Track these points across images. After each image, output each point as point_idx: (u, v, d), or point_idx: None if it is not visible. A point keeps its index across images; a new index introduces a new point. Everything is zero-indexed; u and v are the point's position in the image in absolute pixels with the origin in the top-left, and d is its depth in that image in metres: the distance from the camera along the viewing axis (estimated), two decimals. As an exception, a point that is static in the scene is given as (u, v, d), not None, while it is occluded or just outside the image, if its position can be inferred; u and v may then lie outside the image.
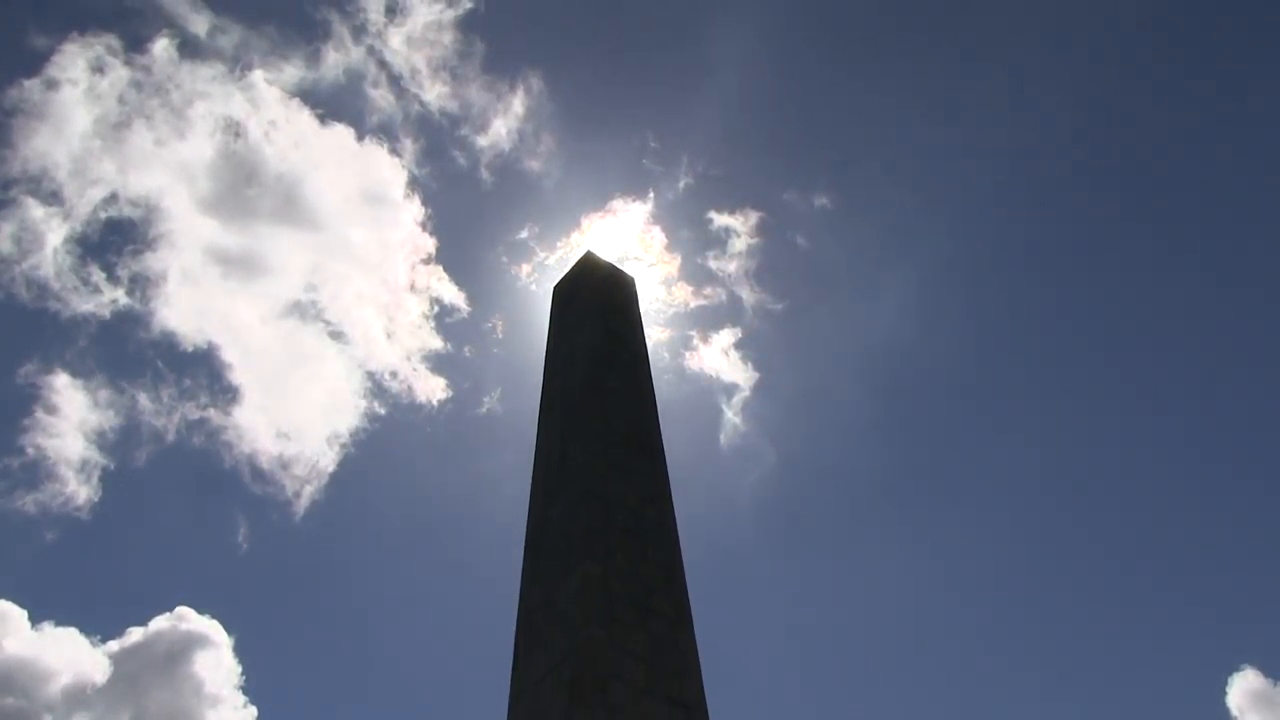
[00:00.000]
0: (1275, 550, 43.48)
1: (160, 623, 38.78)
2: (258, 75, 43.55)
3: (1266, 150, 45.24)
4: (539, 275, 42.99)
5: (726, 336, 45.72)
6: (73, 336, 42.62)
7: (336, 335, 45.32)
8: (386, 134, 50.83)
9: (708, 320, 46.92)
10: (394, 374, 44.01)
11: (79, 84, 41.66)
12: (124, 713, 36.06)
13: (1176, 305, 46.59)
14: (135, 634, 38.56)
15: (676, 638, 12.31)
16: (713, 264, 45.10)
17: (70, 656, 37.12)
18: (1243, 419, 45.39)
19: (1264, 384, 45.05)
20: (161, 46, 42.49)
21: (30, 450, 39.61)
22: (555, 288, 18.31)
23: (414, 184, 48.14)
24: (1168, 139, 47.39)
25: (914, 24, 48.88)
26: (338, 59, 44.53)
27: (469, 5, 44.81)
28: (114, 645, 38.09)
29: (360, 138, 47.82)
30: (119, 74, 42.45)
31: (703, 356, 44.15)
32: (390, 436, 45.47)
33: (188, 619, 38.60)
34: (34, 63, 42.94)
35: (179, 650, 37.38)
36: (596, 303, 16.87)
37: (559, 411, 15.49)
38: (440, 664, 42.89)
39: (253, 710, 38.26)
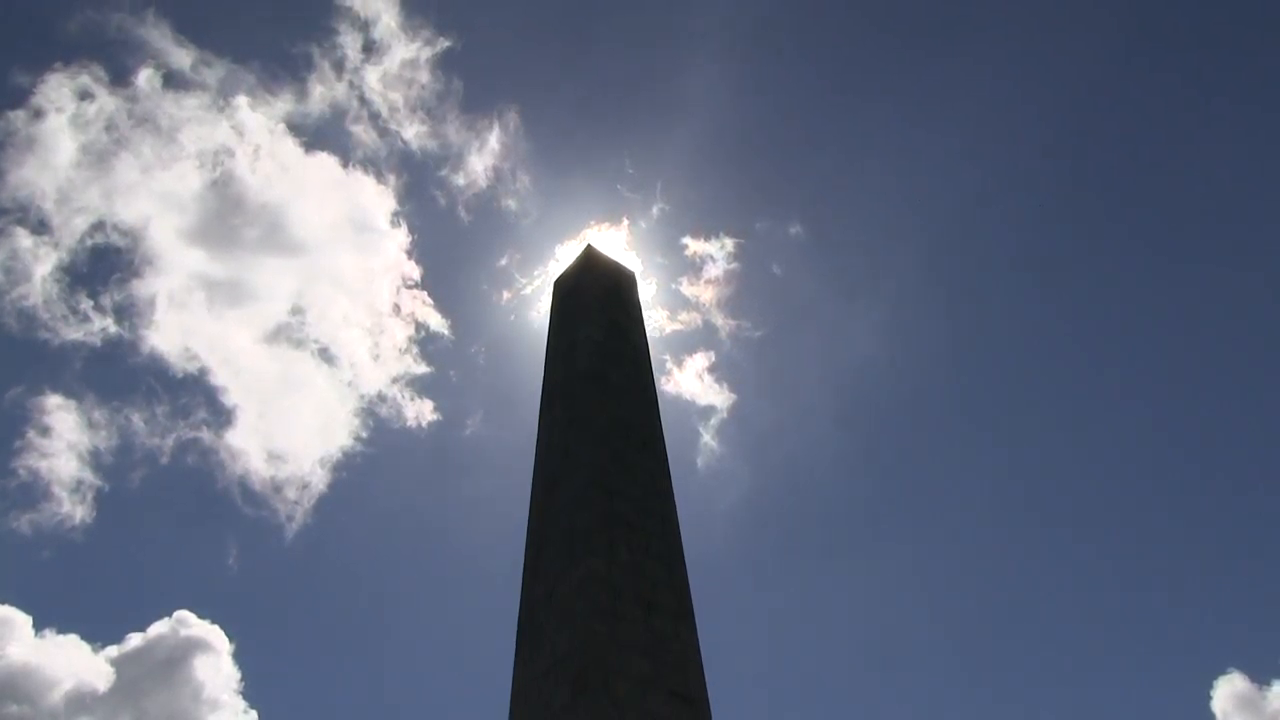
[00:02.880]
0: (1261, 554, 43.85)
1: (160, 627, 38.80)
2: (243, 104, 43.64)
3: (1248, 158, 45.71)
4: (518, 303, 44.15)
5: (701, 360, 46.06)
6: (63, 365, 42.67)
7: (324, 359, 45.56)
8: (371, 165, 51.25)
9: (682, 345, 47.14)
10: (382, 397, 44.28)
11: (65, 111, 41.65)
12: (125, 717, 36.09)
13: (1155, 325, 47.31)
14: (135, 639, 38.61)
15: (679, 631, 12.32)
16: (687, 290, 45.36)
17: (72, 662, 37.15)
18: (1230, 427, 45.81)
19: (1249, 392, 45.52)
20: (145, 77, 42.60)
21: (22, 471, 39.69)
22: (556, 282, 18.27)
23: (399, 213, 48.74)
24: (1137, 165, 48.25)
25: (885, 55, 49.84)
26: (323, 93, 44.83)
27: (446, 44, 45.19)
28: (113, 650, 38.11)
29: (345, 164, 48.12)
30: (105, 102, 42.52)
31: (678, 381, 44.28)
32: (380, 457, 45.73)
33: (188, 623, 38.56)
34: (18, 96, 43.02)
35: (179, 656, 37.38)
36: (598, 297, 16.85)
37: (560, 405, 15.46)
38: (441, 668, 43.12)
39: (253, 715, 38.33)
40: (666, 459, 14.84)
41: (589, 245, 18.32)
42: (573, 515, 13.22)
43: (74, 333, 41.27)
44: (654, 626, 12.07)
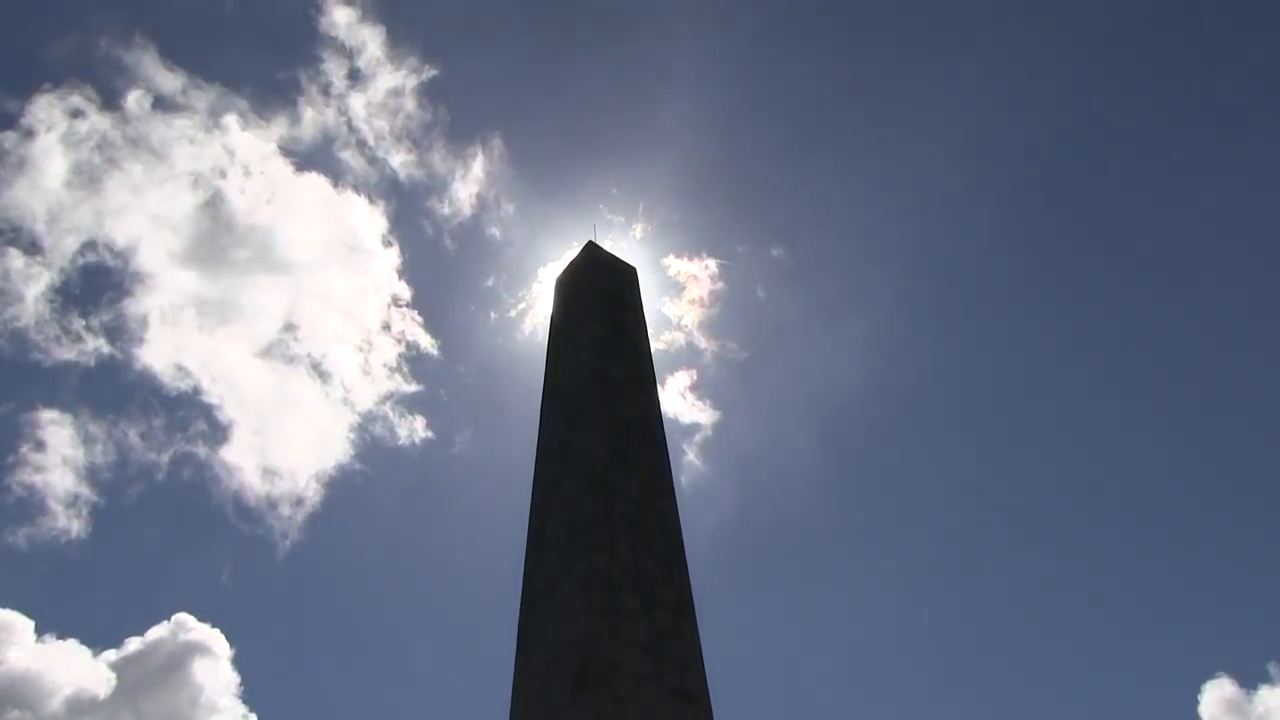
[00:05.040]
0: (1249, 560, 43.96)
1: (159, 631, 38.79)
2: (234, 126, 43.83)
3: (1228, 177, 46.42)
4: (504, 324, 45.26)
5: (683, 379, 46.41)
6: (56, 384, 42.74)
7: (318, 376, 45.87)
8: (362, 189, 51.87)
9: (664, 364, 47.47)
10: (374, 415, 44.73)
11: (56, 129, 41.50)
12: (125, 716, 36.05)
13: (1131, 344, 47.90)
14: (134, 643, 38.64)
15: (679, 628, 12.35)
16: (669, 310, 45.71)
17: (72, 667, 37.19)
18: (1217, 435, 46.02)
19: (1237, 402, 45.89)
20: (135, 98, 42.72)
21: (17, 487, 39.72)
22: (557, 280, 18.25)
23: (390, 234, 49.71)
24: (1113, 192, 49.11)
25: (863, 86, 51.16)
26: (313, 118, 45.34)
27: (432, 73, 45.93)
28: (112, 654, 38.10)
29: (336, 184, 48.60)
30: (95, 121, 42.53)
31: (661, 399, 44.22)
32: (374, 473, 46.12)
33: (187, 626, 38.50)
34: (6, 119, 42.93)
35: (178, 660, 37.35)
36: (598, 293, 16.83)
37: (561, 401, 15.48)
38: (439, 676, 43.29)
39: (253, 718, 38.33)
40: (667, 455, 14.85)
41: (590, 242, 18.27)
42: (573, 512, 13.25)
43: (67, 353, 41.34)
44: (655, 623, 12.09)
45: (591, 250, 18.08)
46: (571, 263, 18.18)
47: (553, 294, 18.10)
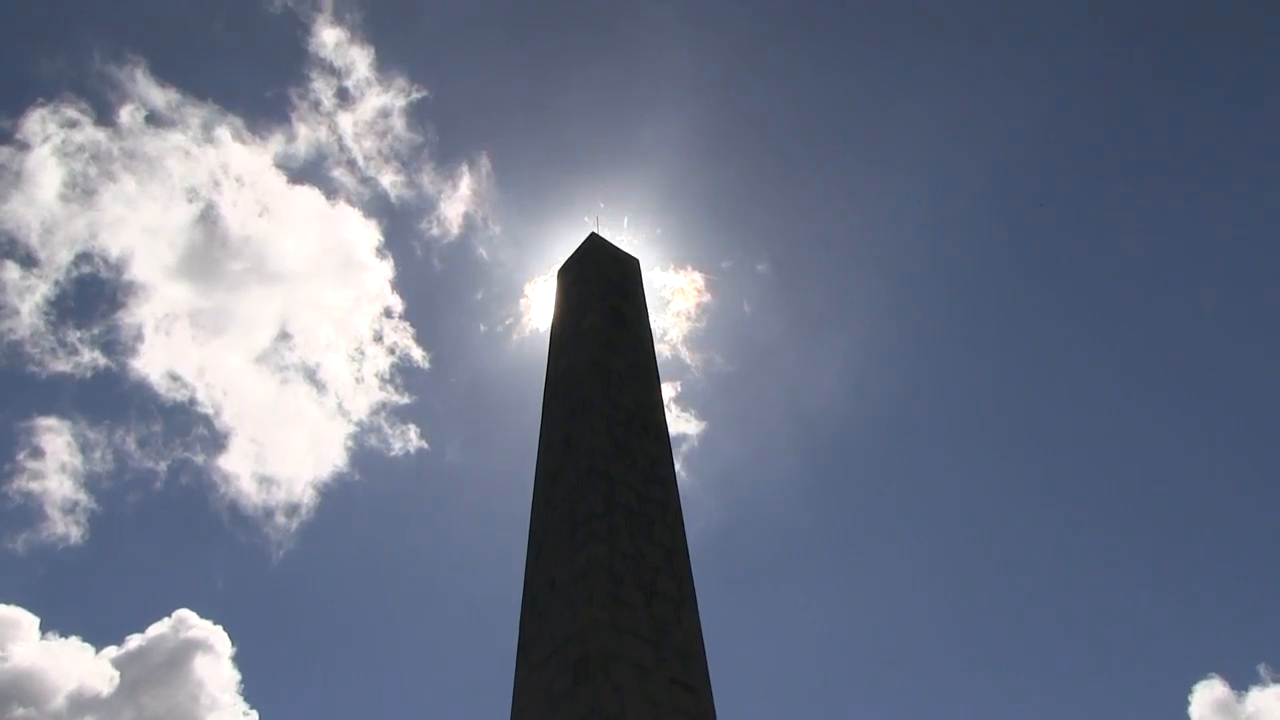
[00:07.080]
0: (1241, 560, 43.69)
1: (160, 628, 38.82)
2: (227, 141, 43.99)
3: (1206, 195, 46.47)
4: (493, 338, 46.19)
5: (667, 390, 46.69)
6: (53, 396, 42.96)
7: (312, 385, 46.11)
8: (354, 203, 52.26)
9: None
10: (368, 425, 44.96)
11: (51, 139, 41.64)
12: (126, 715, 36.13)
13: (1118, 352, 47.86)
14: (135, 640, 38.71)
15: (680, 618, 12.26)
16: (655, 323, 45.81)
17: (75, 663, 37.24)
18: (1210, 436, 45.88)
19: (1228, 404, 45.83)
20: (128, 112, 42.91)
21: (15, 495, 39.81)
22: (560, 270, 18.18)
23: (382, 249, 50.39)
24: (1095, 202, 49.05)
25: (845, 101, 51.65)
26: (306, 134, 45.72)
27: (421, 94, 46.51)
28: (113, 650, 38.18)
29: (329, 196, 49.09)
30: (89, 134, 42.65)
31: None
32: (368, 481, 46.46)
33: (188, 623, 38.51)
34: (2, 135, 43.20)
35: (180, 657, 37.40)
36: (600, 285, 16.75)
37: (562, 394, 15.40)
38: (437, 682, 43.50)
39: (254, 715, 38.39)
40: (669, 445, 14.76)
41: (592, 233, 18.20)
42: (574, 503, 13.16)
43: (62, 365, 41.46)
44: (655, 613, 12.00)
45: (594, 241, 18.00)
46: (574, 254, 18.10)
47: (555, 284, 18.02)
